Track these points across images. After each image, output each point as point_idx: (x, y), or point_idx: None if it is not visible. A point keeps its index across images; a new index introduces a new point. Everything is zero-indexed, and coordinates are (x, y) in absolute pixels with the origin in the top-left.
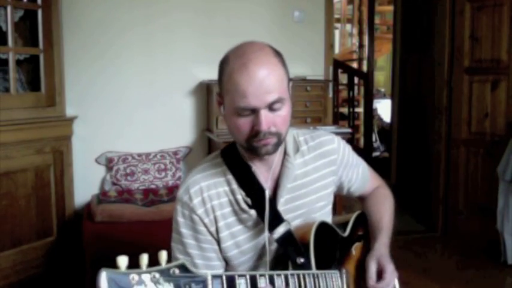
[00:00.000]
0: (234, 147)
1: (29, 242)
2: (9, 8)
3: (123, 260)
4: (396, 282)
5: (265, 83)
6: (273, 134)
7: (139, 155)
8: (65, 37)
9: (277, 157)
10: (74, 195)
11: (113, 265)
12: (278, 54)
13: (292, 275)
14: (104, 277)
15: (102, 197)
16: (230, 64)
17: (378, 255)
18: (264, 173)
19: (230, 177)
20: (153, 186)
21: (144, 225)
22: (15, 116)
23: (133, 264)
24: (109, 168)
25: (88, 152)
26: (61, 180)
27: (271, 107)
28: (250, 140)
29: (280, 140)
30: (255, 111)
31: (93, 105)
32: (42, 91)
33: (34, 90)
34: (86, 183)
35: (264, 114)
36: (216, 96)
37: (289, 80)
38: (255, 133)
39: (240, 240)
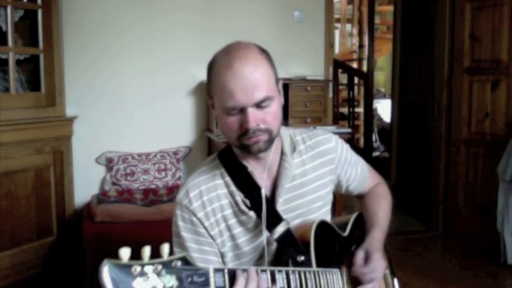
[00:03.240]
0: (230, 149)
1: (29, 242)
2: (9, 8)
3: (125, 252)
4: (396, 283)
5: (250, 79)
6: (262, 130)
7: (139, 155)
8: (65, 37)
9: (274, 157)
10: (74, 195)
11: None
12: (264, 51)
13: (293, 271)
14: (106, 268)
15: (102, 197)
16: (217, 64)
17: (366, 246)
18: (260, 173)
19: (228, 179)
20: (153, 186)
21: (144, 225)
22: (15, 116)
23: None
24: (109, 168)
25: (88, 152)
26: (61, 180)
27: (259, 105)
28: (240, 138)
29: (271, 137)
30: (243, 110)
31: (93, 105)
32: (42, 91)
33: (34, 90)
34: (86, 183)
35: (252, 111)
36: (208, 99)
37: (277, 77)
38: (244, 131)
39: (240, 243)
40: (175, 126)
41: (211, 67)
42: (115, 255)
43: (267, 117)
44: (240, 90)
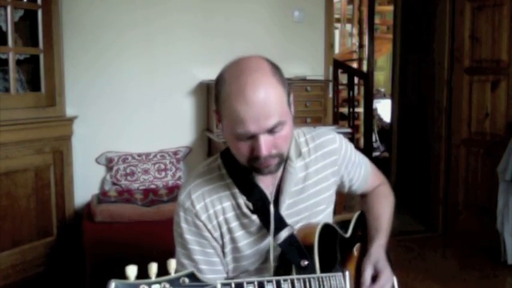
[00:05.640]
0: None
1: (29, 242)
2: (9, 8)
3: (132, 270)
4: (395, 282)
5: (263, 107)
6: (274, 156)
7: (139, 155)
8: (65, 37)
9: None
10: (74, 195)
11: (114, 267)
12: (276, 70)
13: (298, 279)
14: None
15: (102, 197)
16: (226, 86)
17: (374, 260)
18: (266, 179)
19: (230, 181)
20: (153, 186)
21: (144, 225)
22: (15, 116)
23: (133, 264)
24: (109, 168)
25: (88, 152)
26: (61, 180)
27: (271, 130)
28: (250, 161)
29: (282, 159)
30: (254, 136)
31: (93, 105)
32: (42, 91)
33: (34, 90)
34: (86, 183)
35: (264, 139)
36: (214, 114)
37: (289, 92)
38: (255, 157)
39: (240, 246)
40: (175, 126)
41: (220, 87)
42: (115, 255)
43: (278, 141)
44: (252, 119)
